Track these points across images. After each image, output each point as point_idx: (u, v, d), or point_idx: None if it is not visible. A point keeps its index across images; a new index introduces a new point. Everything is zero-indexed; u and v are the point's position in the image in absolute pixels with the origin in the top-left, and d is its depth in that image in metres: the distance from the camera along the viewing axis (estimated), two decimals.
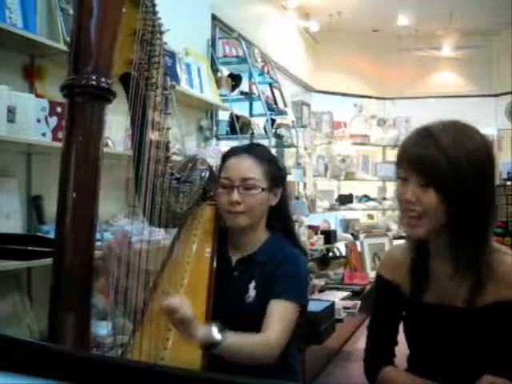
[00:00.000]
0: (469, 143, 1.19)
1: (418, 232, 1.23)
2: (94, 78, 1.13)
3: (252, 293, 1.54)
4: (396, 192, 1.27)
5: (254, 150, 1.64)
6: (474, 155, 1.19)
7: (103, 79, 1.14)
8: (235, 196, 1.54)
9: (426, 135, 1.22)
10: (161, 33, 1.39)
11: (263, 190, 1.56)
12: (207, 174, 1.65)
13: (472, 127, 1.24)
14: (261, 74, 4.66)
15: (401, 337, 1.39)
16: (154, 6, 1.36)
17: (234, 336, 1.35)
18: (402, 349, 1.40)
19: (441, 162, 1.16)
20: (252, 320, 1.46)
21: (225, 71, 4.37)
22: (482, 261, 1.22)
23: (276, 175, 1.62)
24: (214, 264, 1.56)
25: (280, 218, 1.65)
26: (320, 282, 4.93)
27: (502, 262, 1.24)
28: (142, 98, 1.36)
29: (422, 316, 1.31)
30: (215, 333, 1.29)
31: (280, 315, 1.47)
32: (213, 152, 3.48)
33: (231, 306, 1.51)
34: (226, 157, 1.64)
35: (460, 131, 1.21)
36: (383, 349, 1.40)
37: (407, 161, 1.22)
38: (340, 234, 6.12)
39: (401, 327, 1.40)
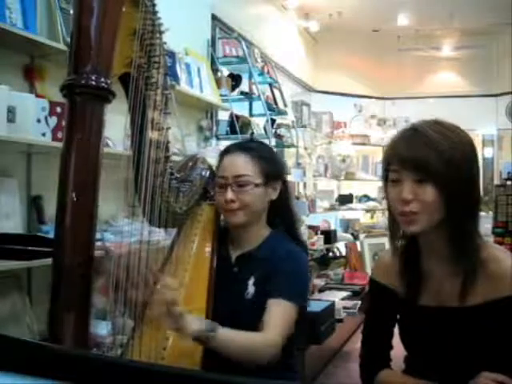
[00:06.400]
0: (453, 135, 1.23)
1: (415, 228, 1.22)
2: (93, 77, 1.13)
3: (251, 289, 1.54)
4: (388, 195, 1.26)
5: (248, 147, 1.63)
6: (460, 146, 1.22)
7: (103, 79, 1.14)
8: (229, 194, 1.55)
9: (412, 133, 1.23)
10: (160, 32, 1.39)
11: (257, 185, 1.56)
12: (207, 173, 1.66)
13: (453, 123, 1.27)
14: (261, 73, 4.66)
15: (397, 339, 1.38)
16: (153, 5, 1.36)
17: (232, 332, 1.35)
18: (398, 351, 1.40)
19: (432, 155, 1.18)
20: (251, 316, 1.46)
21: (225, 71, 4.37)
22: (476, 253, 1.23)
23: (272, 169, 1.61)
24: (214, 263, 1.56)
25: (281, 213, 1.65)
26: (320, 282, 4.94)
27: (494, 259, 1.24)
28: (141, 98, 1.36)
29: (419, 318, 1.30)
30: (207, 326, 1.29)
31: (280, 315, 1.47)
32: (213, 152, 3.48)
33: (231, 302, 1.52)
34: (222, 155, 1.64)
35: (443, 126, 1.24)
36: (379, 354, 1.39)
37: (398, 161, 1.22)
38: (340, 234, 6.12)
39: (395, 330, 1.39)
